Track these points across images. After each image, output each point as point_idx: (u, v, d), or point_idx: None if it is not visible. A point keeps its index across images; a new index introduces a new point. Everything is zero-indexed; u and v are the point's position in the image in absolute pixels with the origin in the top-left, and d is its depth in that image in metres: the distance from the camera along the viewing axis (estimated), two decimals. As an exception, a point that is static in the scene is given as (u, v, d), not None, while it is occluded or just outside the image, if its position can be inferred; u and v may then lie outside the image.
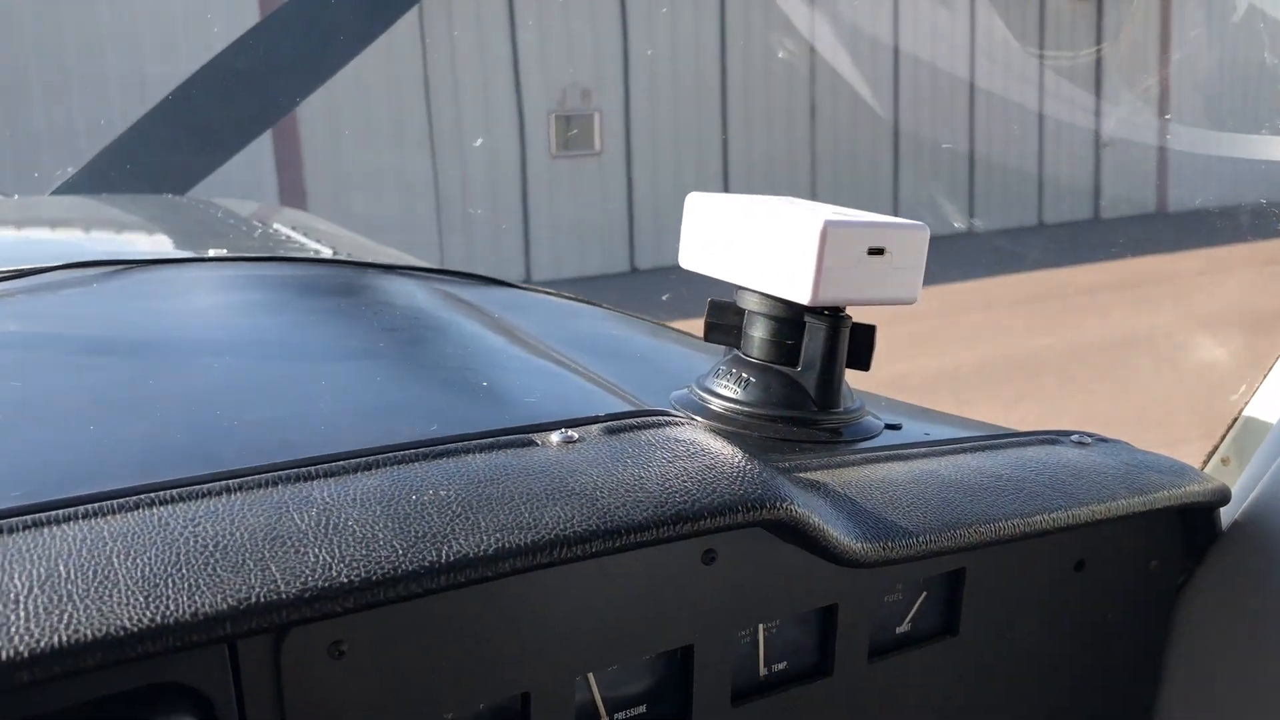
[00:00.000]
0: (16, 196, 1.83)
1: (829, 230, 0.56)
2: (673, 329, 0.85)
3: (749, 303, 0.62)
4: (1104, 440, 0.63)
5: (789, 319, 0.60)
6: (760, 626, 0.51)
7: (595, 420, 0.48)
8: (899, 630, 0.55)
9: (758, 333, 0.62)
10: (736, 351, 0.63)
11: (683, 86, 10.86)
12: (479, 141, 9.34)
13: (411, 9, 2.05)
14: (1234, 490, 0.66)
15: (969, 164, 12.13)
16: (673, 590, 0.47)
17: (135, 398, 0.50)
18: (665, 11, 10.59)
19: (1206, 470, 0.70)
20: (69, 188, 1.79)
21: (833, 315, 0.59)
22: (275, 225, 1.24)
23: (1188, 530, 0.62)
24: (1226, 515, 0.64)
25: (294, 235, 1.16)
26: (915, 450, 0.57)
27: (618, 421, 0.48)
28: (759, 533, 0.48)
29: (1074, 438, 0.62)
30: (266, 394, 0.51)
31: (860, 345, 0.61)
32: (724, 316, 0.64)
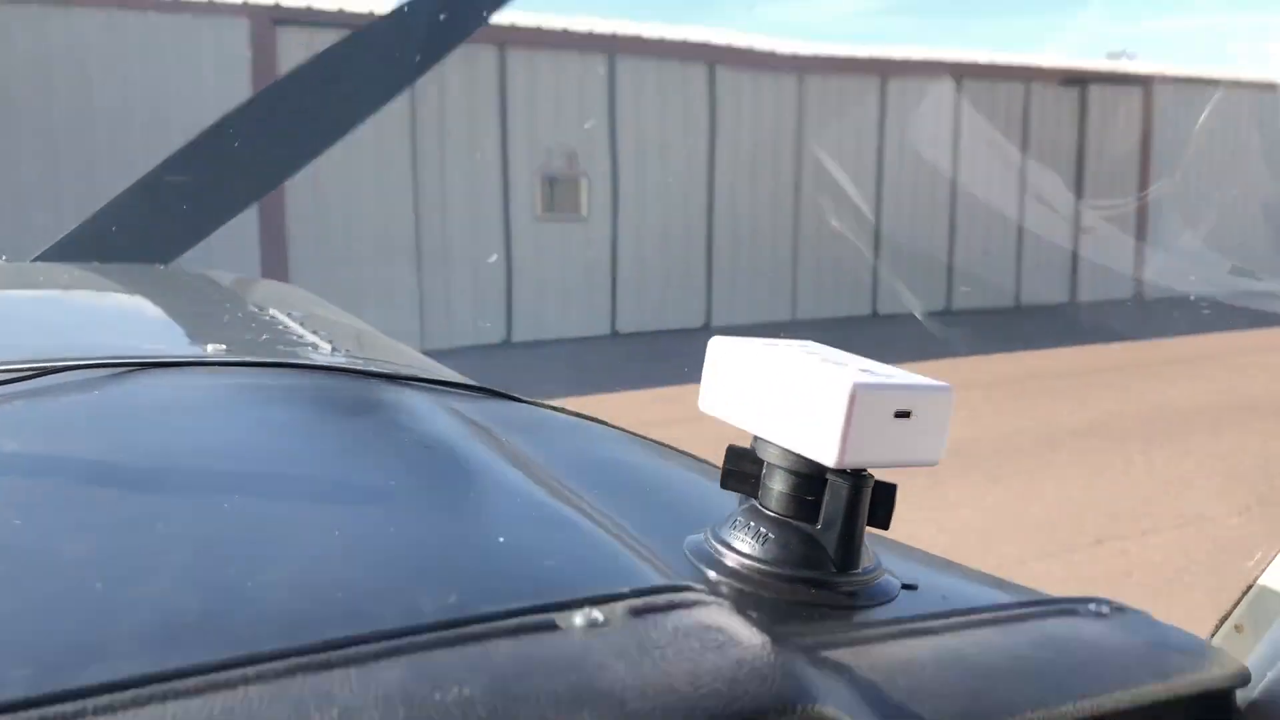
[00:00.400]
0: (3, 258, 1.81)
1: (858, 393, 0.55)
2: (682, 453, 0.84)
3: (769, 454, 0.61)
4: (1121, 609, 0.62)
5: (811, 475, 0.59)
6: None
7: (620, 597, 0.47)
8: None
9: (777, 486, 0.61)
10: (754, 502, 0.62)
11: (670, 153, 10.98)
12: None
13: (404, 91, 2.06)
14: (1249, 661, 0.66)
15: (948, 246, 12.27)
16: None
17: (146, 547, 0.49)
18: (653, 78, 10.74)
19: (1218, 636, 0.69)
20: (54, 253, 1.77)
21: (856, 474, 0.58)
22: (267, 305, 1.23)
23: (1204, 711, 0.61)
24: (1243, 692, 0.62)
25: (288, 322, 1.14)
26: (936, 623, 0.55)
27: (643, 600, 0.47)
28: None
29: (1092, 606, 0.61)
30: (280, 547, 0.50)
31: (881, 504, 0.60)
32: (742, 464, 0.63)
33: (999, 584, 0.67)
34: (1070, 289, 12.97)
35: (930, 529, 4.19)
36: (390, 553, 0.50)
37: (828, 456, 0.55)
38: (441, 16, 1.75)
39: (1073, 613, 0.60)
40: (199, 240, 1.94)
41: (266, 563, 0.48)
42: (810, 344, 0.67)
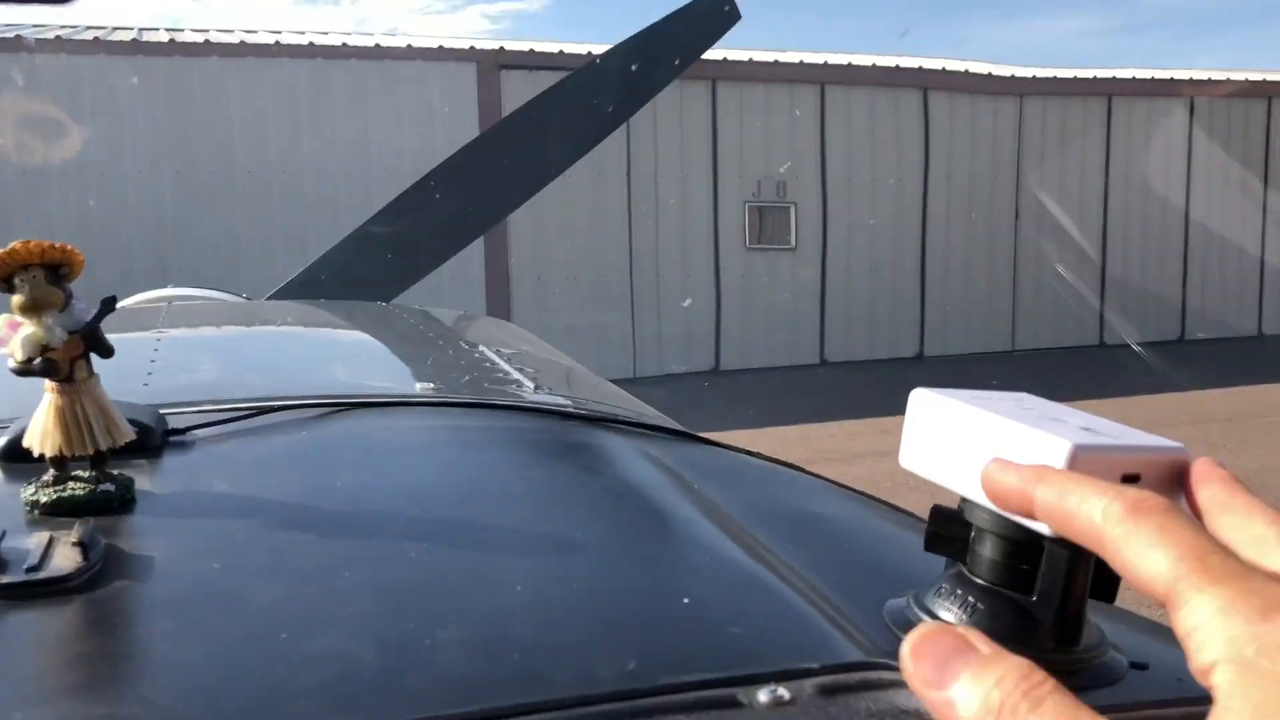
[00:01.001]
0: (245, 296, 1.94)
1: (1079, 457, 0.50)
2: (883, 504, 0.80)
3: (979, 519, 0.56)
4: None
5: (1026, 542, 0.54)
6: None
7: (810, 674, 0.44)
8: None
9: (988, 552, 0.56)
10: (961, 567, 0.57)
11: (881, 181, 10.79)
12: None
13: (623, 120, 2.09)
14: None
15: (1182, 278, 11.52)
16: None
17: (333, 593, 0.49)
18: (865, 107, 10.59)
19: None
20: (287, 292, 1.89)
21: (1077, 543, 0.53)
22: (478, 342, 1.26)
23: None
24: None
25: (496, 359, 1.16)
26: (1170, 712, 0.49)
27: (835, 678, 0.44)
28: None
29: None
30: (462, 600, 0.49)
31: (1106, 574, 0.54)
32: (949, 528, 0.58)
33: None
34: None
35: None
36: (572, 611, 0.49)
37: (1044, 525, 0.50)
38: (633, 68, 1.77)
39: None
40: (419, 279, 2.03)
41: (446, 618, 0.47)
42: (1026, 396, 0.62)
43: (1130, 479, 0.51)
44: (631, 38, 1.86)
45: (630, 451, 0.76)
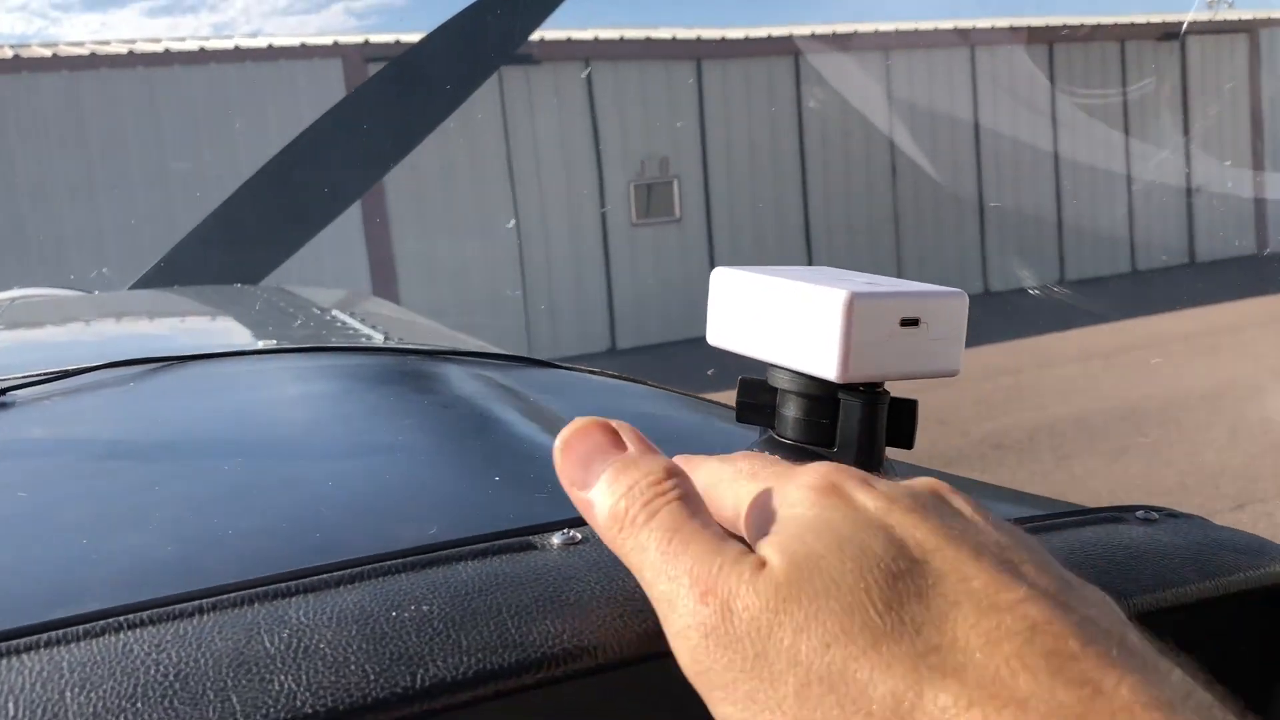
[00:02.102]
0: (96, 292, 1.89)
1: (855, 302, 0.52)
2: (717, 404, 0.82)
3: (780, 381, 0.59)
4: (1174, 515, 0.58)
5: (823, 397, 0.57)
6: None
7: (602, 518, 0.45)
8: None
9: (791, 412, 0.58)
10: (771, 432, 0.60)
11: (760, 151, 10.90)
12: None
13: (469, 98, 2.09)
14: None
15: (1057, 224, 11.91)
16: (691, 705, 0.43)
17: (137, 506, 0.49)
18: (740, 77, 10.69)
19: (1296, 544, 0.64)
20: (145, 282, 1.85)
21: (869, 392, 0.56)
22: (335, 312, 1.25)
23: (1273, 610, 0.56)
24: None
25: (350, 322, 1.16)
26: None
27: (627, 519, 0.45)
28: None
29: (1140, 514, 0.57)
30: (270, 499, 0.50)
31: (902, 422, 0.57)
32: (756, 395, 0.60)
33: (1043, 502, 0.63)
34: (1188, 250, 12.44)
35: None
36: (379, 496, 0.50)
37: (831, 371, 0.53)
38: (467, 46, 1.77)
39: (1117, 520, 0.56)
40: (281, 261, 2.00)
41: (251, 513, 0.48)
42: (825, 268, 0.65)
43: (910, 322, 0.55)
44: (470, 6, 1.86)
45: (464, 375, 0.77)
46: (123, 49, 9.00)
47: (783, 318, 0.56)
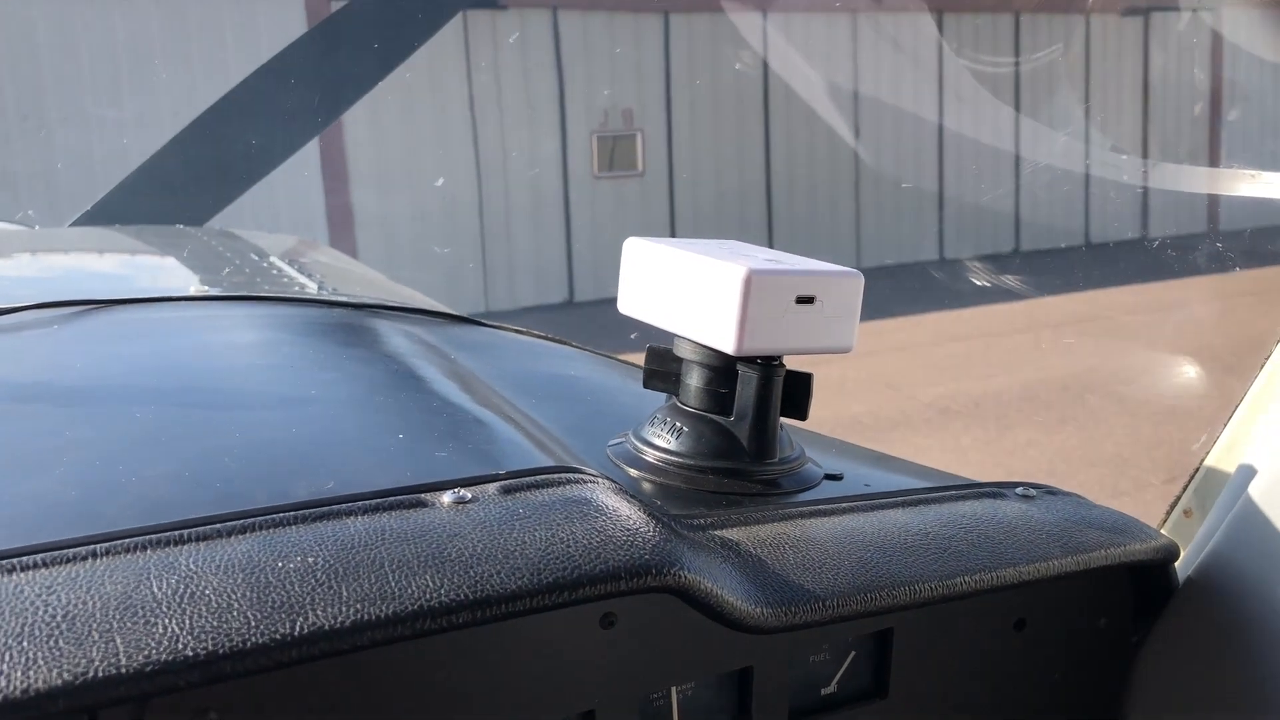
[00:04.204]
0: (37, 227, 1.87)
1: (753, 279, 0.54)
2: (634, 365, 0.84)
3: (684, 350, 0.61)
4: (1053, 492, 0.61)
5: (722, 367, 0.59)
6: (674, 690, 0.50)
7: (494, 479, 0.47)
8: (824, 692, 0.54)
9: (693, 381, 0.61)
10: (675, 399, 0.62)
11: (724, 107, 10.86)
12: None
13: (430, 38, 2.07)
14: (1194, 543, 0.64)
15: (1015, 193, 11.93)
16: (571, 656, 0.46)
17: (46, 450, 0.50)
18: (707, 30, 10.61)
19: (1169, 523, 0.68)
20: (88, 218, 1.83)
21: (765, 364, 0.58)
22: (273, 259, 1.25)
23: (1139, 587, 0.60)
24: (1183, 570, 0.61)
25: (287, 270, 1.16)
26: (845, 505, 0.55)
27: (517, 480, 0.47)
28: (663, 596, 0.46)
29: (1019, 490, 0.60)
30: (177, 448, 0.51)
31: (796, 394, 0.59)
32: (663, 363, 0.63)
33: (934, 475, 0.66)
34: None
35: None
36: (284, 448, 0.52)
37: (728, 344, 0.55)
38: None
39: (997, 495, 0.59)
40: (228, 203, 1.98)
41: (158, 461, 0.49)
42: (732, 241, 0.67)
43: (805, 300, 0.57)
44: None
45: (387, 329, 0.78)
46: (76, -27, 8.76)
47: (687, 290, 0.58)
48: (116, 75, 8.68)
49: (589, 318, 9.46)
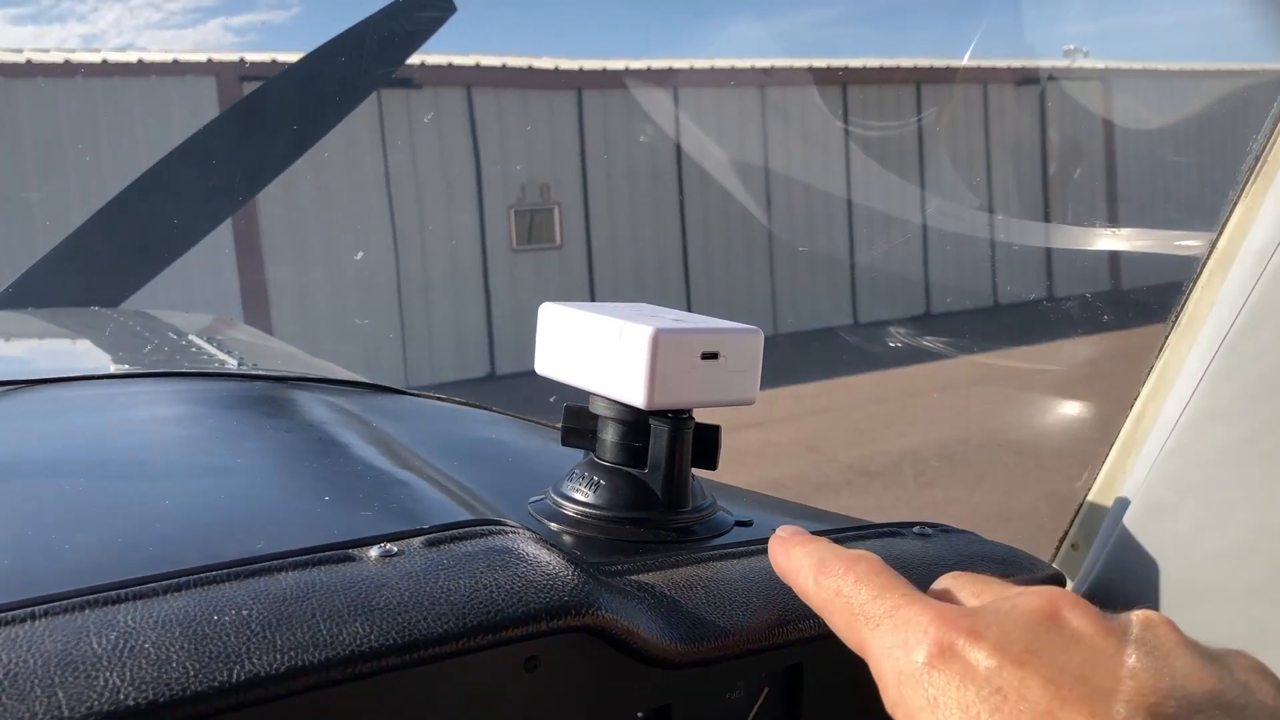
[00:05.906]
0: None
1: (659, 337, 0.58)
2: (552, 427, 0.87)
3: (599, 408, 0.64)
4: (947, 530, 0.65)
5: (635, 422, 0.63)
6: (595, 730, 0.52)
7: (419, 533, 0.50)
8: (740, 727, 0.56)
9: (608, 436, 0.64)
10: (592, 455, 0.65)
11: (639, 180, 11.04)
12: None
13: (347, 116, 2.11)
14: (1080, 573, 0.69)
15: (923, 257, 12.29)
16: (497, 701, 0.48)
17: (-24, 524, 0.52)
18: (620, 106, 10.81)
19: (1059, 556, 0.72)
20: (1, 302, 1.81)
21: (674, 417, 0.61)
22: (191, 337, 1.26)
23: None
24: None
25: (206, 347, 1.17)
26: (753, 547, 0.59)
27: (441, 533, 0.50)
28: (583, 637, 0.49)
29: (916, 529, 0.64)
30: (107, 516, 0.53)
31: (706, 445, 0.63)
32: (580, 421, 0.66)
33: (838, 518, 0.70)
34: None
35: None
36: (212, 512, 0.54)
37: (639, 399, 0.59)
38: (341, 60, 1.80)
39: (896, 534, 0.63)
40: (144, 283, 1.97)
41: (90, 527, 0.51)
42: (643, 305, 0.71)
43: (710, 356, 0.61)
44: (343, 34, 1.88)
45: (308, 400, 0.80)
46: (-20, 58, 8.65)
47: (599, 350, 0.62)
48: (21, 160, 8.53)
49: (513, 389, 9.45)
